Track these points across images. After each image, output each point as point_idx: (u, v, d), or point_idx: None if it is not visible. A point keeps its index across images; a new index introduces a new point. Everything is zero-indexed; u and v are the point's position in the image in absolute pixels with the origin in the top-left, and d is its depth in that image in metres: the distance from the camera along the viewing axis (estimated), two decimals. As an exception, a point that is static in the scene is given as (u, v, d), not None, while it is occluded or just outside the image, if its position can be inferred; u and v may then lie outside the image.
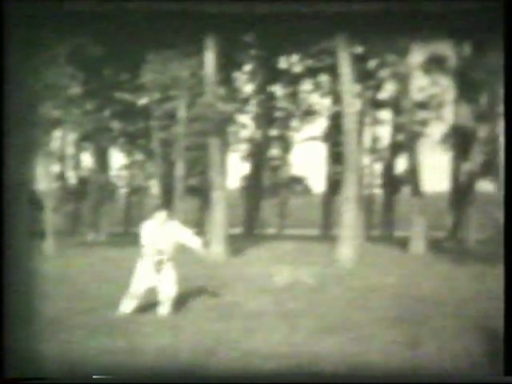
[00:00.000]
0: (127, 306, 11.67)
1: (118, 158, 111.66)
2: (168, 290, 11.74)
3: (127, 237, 34.99)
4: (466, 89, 34.65)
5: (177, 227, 12.07)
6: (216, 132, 27.37)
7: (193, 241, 12.03)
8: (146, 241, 11.72)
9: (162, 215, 11.97)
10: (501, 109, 35.52)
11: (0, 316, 7.18)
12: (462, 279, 17.75)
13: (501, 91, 30.51)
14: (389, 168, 43.29)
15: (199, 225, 38.79)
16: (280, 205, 50.31)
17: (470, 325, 10.32)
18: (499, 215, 35.07)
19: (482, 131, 34.72)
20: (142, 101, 38.14)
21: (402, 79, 32.86)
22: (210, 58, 27.38)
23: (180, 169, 33.01)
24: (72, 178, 44.63)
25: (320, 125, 43.96)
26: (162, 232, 11.82)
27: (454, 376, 6.79)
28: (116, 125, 38.85)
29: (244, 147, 43.10)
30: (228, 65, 34.46)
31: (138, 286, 11.70)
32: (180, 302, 12.11)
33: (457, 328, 10.26)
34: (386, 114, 42.66)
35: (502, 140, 35.24)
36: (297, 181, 49.77)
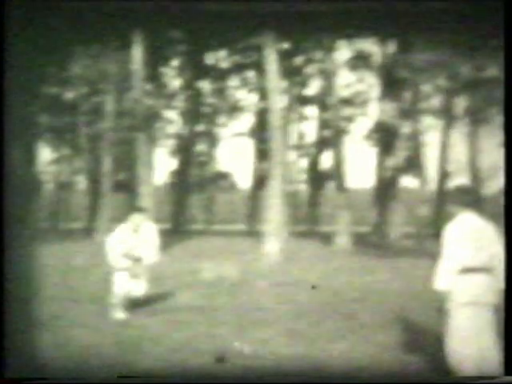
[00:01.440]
0: (118, 311, 10.93)
1: (44, 153, 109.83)
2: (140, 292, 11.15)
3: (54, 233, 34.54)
4: (391, 86, 35.13)
5: (153, 232, 11.17)
6: (143, 127, 27.25)
7: (151, 256, 11.11)
8: (115, 251, 10.79)
9: (137, 218, 11.01)
10: (424, 105, 36.20)
11: (0, 316, 7.07)
12: (385, 273, 18.04)
13: (424, 88, 30.91)
14: (314, 164, 43.60)
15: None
16: (207, 200, 50.25)
17: (392, 318, 10.52)
18: (422, 210, 35.74)
19: (406, 127, 35.28)
20: (69, 95, 37.65)
21: (328, 76, 33.17)
22: (137, 53, 27.24)
23: (107, 164, 32.72)
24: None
25: (247, 121, 44.07)
26: (136, 238, 10.93)
27: (455, 376, 6.87)
28: (43, 119, 38.28)
29: (171, 143, 42.91)
30: (155, 60, 34.31)
31: (119, 293, 10.92)
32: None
33: (379, 321, 10.45)
34: (312, 110, 42.96)
35: (424, 136, 35.93)
36: (223, 176, 49.71)
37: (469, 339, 7.00)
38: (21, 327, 7.23)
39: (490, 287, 7.15)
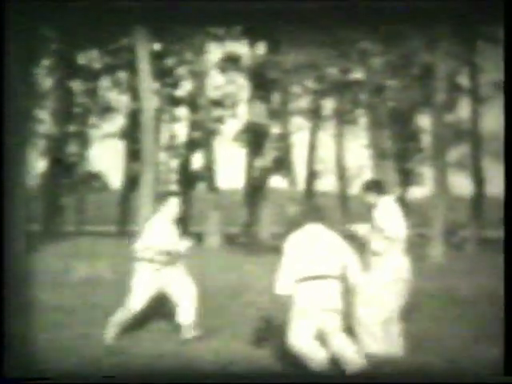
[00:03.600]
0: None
1: None
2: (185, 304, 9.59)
3: None
4: (260, 87, 35.72)
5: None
6: (13, 127, 26.82)
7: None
8: (150, 242, 9.65)
9: (174, 203, 9.88)
10: (292, 106, 36.96)
11: (0, 316, 6.96)
12: (254, 270, 18.49)
13: (293, 89, 31.61)
14: (185, 164, 43.81)
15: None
16: (78, 201, 49.62)
17: (263, 313, 10.85)
18: (291, 210, 36.49)
19: (275, 128, 35.97)
20: None
21: (199, 77, 33.50)
22: (7, 52, 26.81)
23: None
24: None
25: (118, 121, 43.72)
26: (171, 228, 9.90)
27: (454, 376, 7.01)
28: None
29: (42, 143, 42.15)
30: (26, 59, 33.69)
31: (140, 298, 9.64)
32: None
33: (251, 317, 10.78)
34: (182, 111, 43.10)
35: (293, 137, 36.70)
36: (95, 177, 49.24)
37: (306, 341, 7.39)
38: (21, 327, 7.20)
39: (333, 295, 7.49)
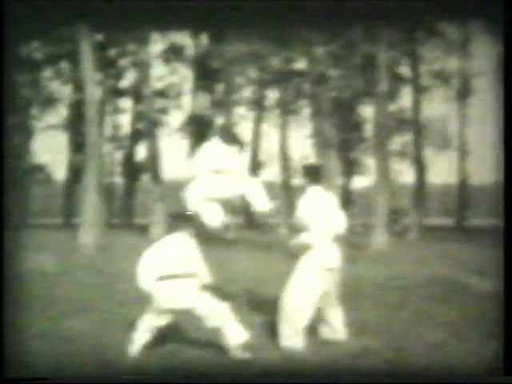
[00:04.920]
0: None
1: None
2: None
3: None
4: (204, 78, 35.74)
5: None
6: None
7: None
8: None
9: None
10: (236, 97, 37.04)
11: (0, 315, 6.87)
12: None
13: (236, 80, 31.54)
14: (129, 156, 43.69)
15: None
16: (22, 194, 49.00)
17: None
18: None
19: (219, 119, 36.05)
20: None
21: (142, 68, 33.38)
22: None
23: None
24: None
25: (61, 113, 43.24)
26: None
27: (455, 376, 6.96)
28: None
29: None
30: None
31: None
32: None
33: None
34: (126, 103, 42.93)
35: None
36: (39, 169, 48.67)
37: None
38: (21, 327, 7.16)
39: (188, 291, 7.96)
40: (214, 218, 8.75)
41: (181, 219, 8.32)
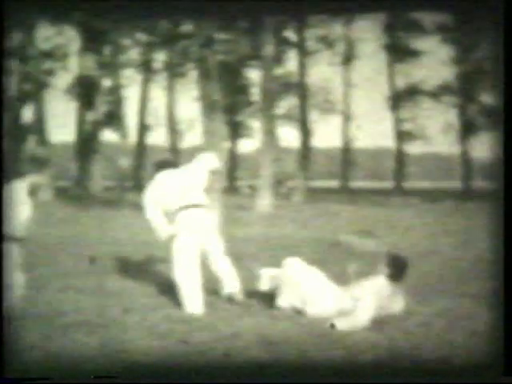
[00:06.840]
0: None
1: None
2: None
3: None
4: (90, 39, 35.26)
5: None
6: None
7: None
8: None
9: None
10: (123, 59, 36.69)
11: (0, 316, 6.65)
12: (88, 223, 18.63)
13: (123, 41, 31.08)
14: (15, 118, 42.77)
15: None
16: None
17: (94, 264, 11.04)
18: (123, 163, 36.49)
19: (106, 81, 35.72)
20: None
21: (28, 28, 32.69)
22: None
23: None
24: None
25: None
26: None
27: (455, 376, 6.83)
28: None
29: None
30: None
31: None
32: None
33: (82, 268, 10.93)
34: (12, 64, 41.90)
35: (124, 90, 36.57)
36: None
37: None
38: (21, 327, 7.05)
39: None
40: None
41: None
